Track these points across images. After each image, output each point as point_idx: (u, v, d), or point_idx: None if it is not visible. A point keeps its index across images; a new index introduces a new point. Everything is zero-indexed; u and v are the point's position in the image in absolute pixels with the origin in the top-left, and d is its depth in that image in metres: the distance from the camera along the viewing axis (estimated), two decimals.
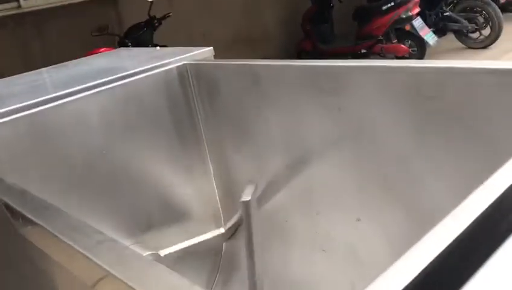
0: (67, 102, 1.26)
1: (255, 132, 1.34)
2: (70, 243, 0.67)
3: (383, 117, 1.00)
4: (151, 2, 3.71)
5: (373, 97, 0.99)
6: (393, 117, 0.99)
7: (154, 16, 3.81)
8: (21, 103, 1.20)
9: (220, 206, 1.54)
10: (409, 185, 1.04)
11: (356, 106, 1.04)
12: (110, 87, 1.34)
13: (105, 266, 0.61)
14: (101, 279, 0.63)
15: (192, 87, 1.47)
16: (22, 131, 1.18)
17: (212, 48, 1.56)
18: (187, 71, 1.47)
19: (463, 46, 5.06)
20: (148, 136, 1.41)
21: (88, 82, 1.31)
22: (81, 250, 0.65)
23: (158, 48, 1.72)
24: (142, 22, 3.82)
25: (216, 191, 1.54)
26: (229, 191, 1.51)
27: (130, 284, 0.56)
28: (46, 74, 1.67)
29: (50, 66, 1.77)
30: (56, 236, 0.69)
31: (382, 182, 1.10)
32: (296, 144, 1.25)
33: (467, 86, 0.86)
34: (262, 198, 1.41)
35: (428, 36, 4.55)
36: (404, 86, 0.93)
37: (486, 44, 4.87)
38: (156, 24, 3.82)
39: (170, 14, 3.87)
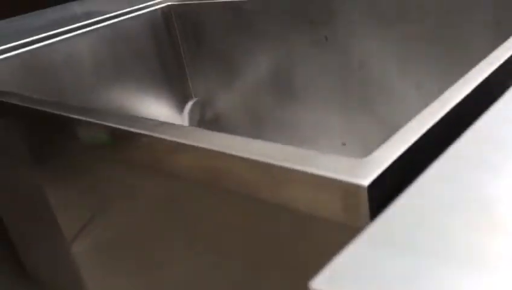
0: (56, 42, 1.28)
1: (241, 67, 1.39)
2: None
3: (368, 43, 1.07)
4: None
5: (358, 24, 1.05)
6: (378, 43, 1.05)
7: None
8: (11, 43, 1.22)
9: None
10: (392, 107, 1.12)
11: (342, 34, 1.10)
12: (97, 28, 1.36)
13: None
14: None
15: (177, 28, 1.50)
16: (15, 69, 1.20)
17: None
18: (171, 12, 1.50)
19: None
20: (135, 77, 1.45)
21: (75, 23, 1.34)
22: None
23: None
24: None
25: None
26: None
27: None
28: (29, 19, 1.66)
29: (30, 13, 1.76)
30: None
31: (368, 107, 1.17)
32: (283, 76, 1.31)
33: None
34: (248, 130, 1.47)
35: None
36: (387, 10, 0.99)
37: None
38: None
39: None
